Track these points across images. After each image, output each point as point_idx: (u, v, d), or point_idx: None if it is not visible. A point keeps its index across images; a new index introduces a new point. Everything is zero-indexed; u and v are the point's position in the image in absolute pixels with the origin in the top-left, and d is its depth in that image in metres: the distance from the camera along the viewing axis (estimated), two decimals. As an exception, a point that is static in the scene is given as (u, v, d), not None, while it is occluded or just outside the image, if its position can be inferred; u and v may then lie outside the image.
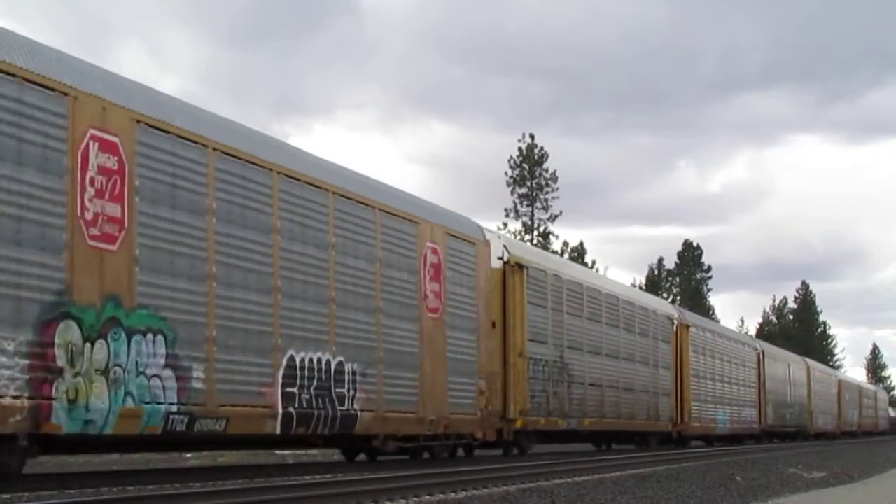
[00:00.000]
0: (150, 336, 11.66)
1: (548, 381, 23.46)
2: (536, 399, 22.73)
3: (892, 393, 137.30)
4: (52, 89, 10.68)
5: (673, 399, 32.65)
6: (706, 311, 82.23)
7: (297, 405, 14.29)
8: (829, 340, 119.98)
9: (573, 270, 27.70)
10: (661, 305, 35.35)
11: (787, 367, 50.54)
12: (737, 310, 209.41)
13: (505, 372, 21.51)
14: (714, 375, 37.09)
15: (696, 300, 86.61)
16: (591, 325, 26.43)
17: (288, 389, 14.12)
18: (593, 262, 68.92)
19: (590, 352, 26.21)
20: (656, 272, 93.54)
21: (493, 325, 21.08)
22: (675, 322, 34.12)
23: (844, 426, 67.32)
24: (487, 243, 21.05)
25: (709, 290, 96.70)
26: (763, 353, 45.56)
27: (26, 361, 10.05)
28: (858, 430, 73.93)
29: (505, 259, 21.93)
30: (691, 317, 38.17)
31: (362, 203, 16.39)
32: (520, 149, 68.11)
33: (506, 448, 22.89)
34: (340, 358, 15.46)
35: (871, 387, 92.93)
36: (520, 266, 22.31)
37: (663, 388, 31.75)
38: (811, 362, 61.21)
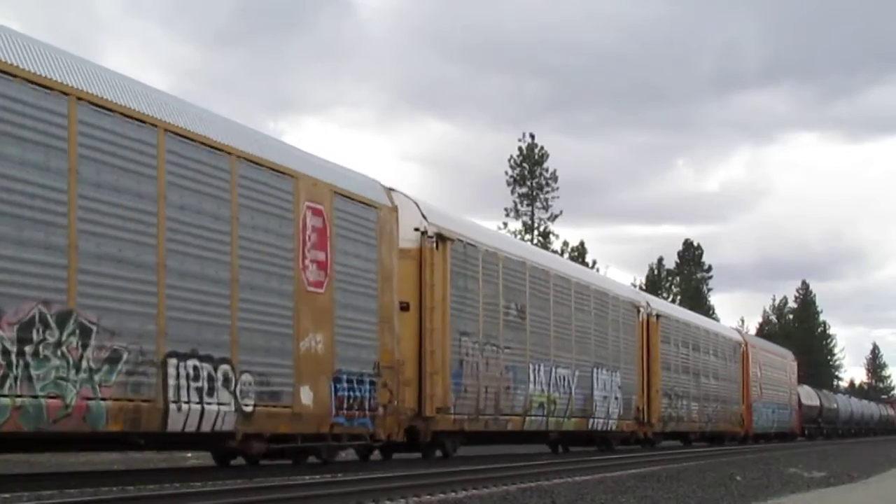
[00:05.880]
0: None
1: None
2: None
3: (891, 393, 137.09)
4: None
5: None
6: (706, 310, 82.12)
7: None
8: (829, 340, 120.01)
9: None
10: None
11: None
12: (737, 309, 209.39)
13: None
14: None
15: (696, 300, 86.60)
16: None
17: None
18: (594, 262, 68.97)
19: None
20: (656, 272, 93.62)
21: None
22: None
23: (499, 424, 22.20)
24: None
25: (709, 290, 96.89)
26: None
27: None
28: (646, 435, 30.58)
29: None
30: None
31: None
32: (520, 148, 68.23)
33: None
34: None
35: (734, 334, 43.81)
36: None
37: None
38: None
